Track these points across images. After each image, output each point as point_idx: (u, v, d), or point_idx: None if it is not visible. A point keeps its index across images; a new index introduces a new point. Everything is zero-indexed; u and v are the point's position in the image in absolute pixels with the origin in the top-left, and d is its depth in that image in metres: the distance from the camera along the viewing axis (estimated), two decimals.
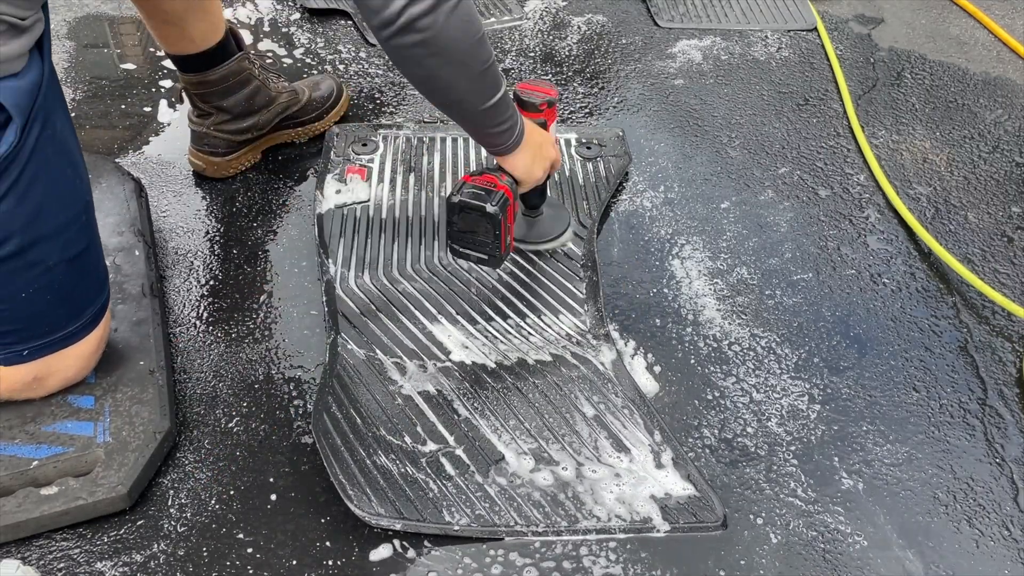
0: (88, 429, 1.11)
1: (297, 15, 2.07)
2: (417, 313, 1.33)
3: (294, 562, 1.04)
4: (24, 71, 0.93)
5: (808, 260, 1.50)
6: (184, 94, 1.50)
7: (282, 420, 1.20)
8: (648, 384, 1.27)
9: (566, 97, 1.86)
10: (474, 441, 1.16)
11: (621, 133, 1.73)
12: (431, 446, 1.14)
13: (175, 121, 1.72)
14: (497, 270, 1.40)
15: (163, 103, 1.77)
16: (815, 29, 2.12)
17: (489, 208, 1.23)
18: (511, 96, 1.20)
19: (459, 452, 1.14)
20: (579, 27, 2.09)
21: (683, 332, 1.36)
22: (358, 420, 1.16)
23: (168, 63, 1.88)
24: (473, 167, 1.61)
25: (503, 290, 1.38)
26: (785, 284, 1.46)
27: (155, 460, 1.11)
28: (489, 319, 1.33)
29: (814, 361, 1.33)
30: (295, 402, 1.23)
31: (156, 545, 1.05)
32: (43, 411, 1.13)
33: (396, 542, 1.07)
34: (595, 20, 2.12)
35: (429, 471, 1.11)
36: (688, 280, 1.45)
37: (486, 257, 1.31)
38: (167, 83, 1.83)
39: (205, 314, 1.34)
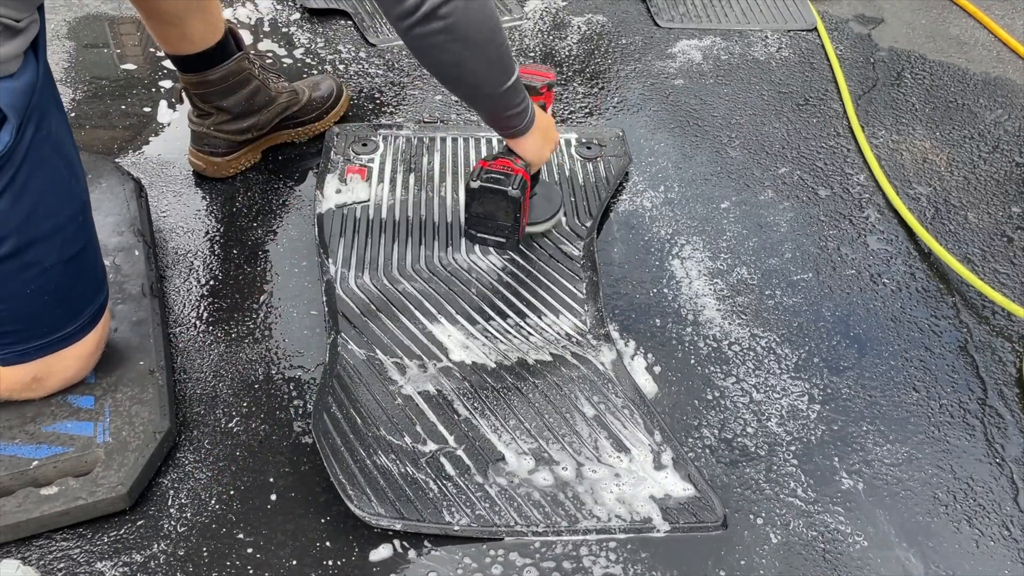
0: (88, 429, 1.11)
1: (297, 15, 2.07)
2: (417, 313, 1.33)
3: (294, 562, 1.04)
4: (19, 72, 0.93)
5: (808, 260, 1.50)
6: (184, 94, 1.50)
7: (282, 420, 1.20)
8: (648, 384, 1.27)
9: (566, 97, 1.86)
10: (474, 441, 1.16)
11: (621, 133, 1.73)
12: (431, 446, 1.14)
13: (175, 121, 1.72)
14: (497, 270, 1.40)
15: (163, 103, 1.77)
16: (815, 29, 2.12)
17: (511, 191, 1.27)
18: (522, 83, 1.24)
19: (459, 452, 1.14)
20: (579, 27, 2.09)
21: (683, 332, 1.36)
22: (358, 420, 1.16)
23: (168, 63, 1.88)
24: (473, 166, 1.60)
25: (503, 290, 1.38)
26: (785, 284, 1.46)
27: (155, 460, 1.11)
28: (489, 319, 1.33)
29: (814, 361, 1.33)
30: (295, 402, 1.23)
31: (156, 545, 1.05)
32: (43, 411, 1.13)
33: (396, 542, 1.07)
34: (595, 20, 2.12)
35: (429, 471, 1.11)
36: (688, 280, 1.45)
37: (503, 240, 1.36)
38: (167, 83, 1.83)
39: (205, 314, 1.34)
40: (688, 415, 1.24)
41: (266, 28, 2.02)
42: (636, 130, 1.78)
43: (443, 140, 1.67)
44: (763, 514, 1.12)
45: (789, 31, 2.11)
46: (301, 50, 1.95)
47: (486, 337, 1.30)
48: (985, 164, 1.73)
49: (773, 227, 1.57)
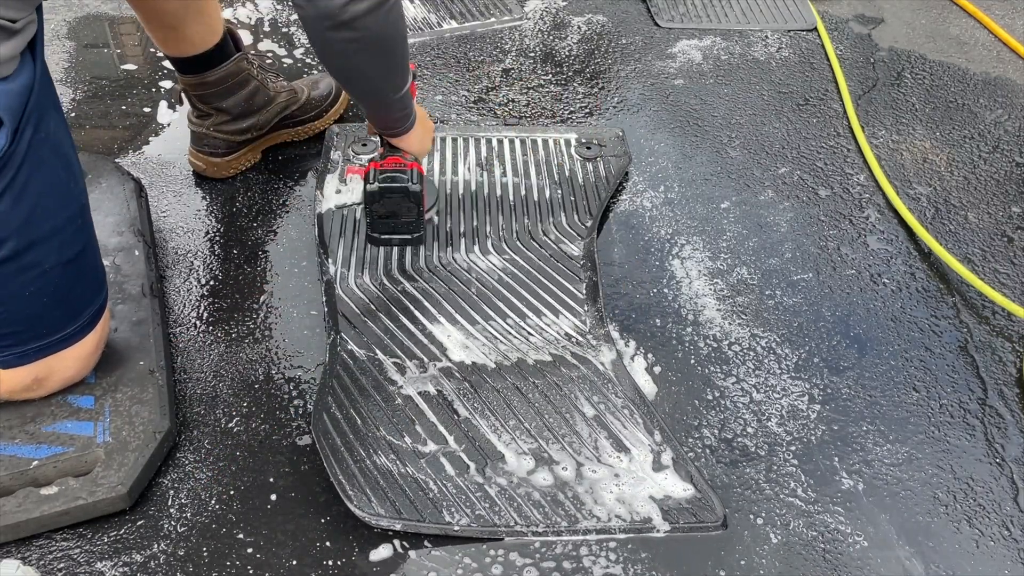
0: (88, 429, 1.11)
1: (297, 15, 2.07)
2: (417, 313, 1.33)
3: (294, 562, 1.04)
4: (15, 74, 0.92)
5: (808, 260, 1.50)
6: (183, 95, 1.50)
7: (282, 420, 1.20)
8: (648, 384, 1.27)
9: (566, 97, 1.86)
10: (474, 441, 1.16)
11: (621, 133, 1.73)
12: (431, 446, 1.14)
13: (175, 121, 1.72)
14: (497, 270, 1.40)
15: (163, 103, 1.77)
16: (815, 29, 2.12)
17: (411, 186, 1.29)
18: None
19: (459, 452, 1.14)
20: (579, 27, 2.09)
21: (683, 332, 1.36)
22: (358, 420, 1.16)
23: (168, 63, 1.87)
24: (473, 166, 1.61)
25: (503, 290, 1.38)
26: (785, 284, 1.46)
27: (155, 460, 1.11)
28: (489, 319, 1.33)
29: (814, 361, 1.33)
30: (295, 402, 1.23)
31: (156, 545, 1.05)
32: (43, 411, 1.13)
33: (396, 542, 1.07)
34: (595, 20, 2.12)
35: (429, 471, 1.11)
36: (688, 280, 1.45)
37: (409, 237, 1.37)
38: (167, 83, 1.83)
39: (205, 314, 1.34)
40: (688, 415, 1.24)
41: (266, 28, 2.02)
42: (636, 130, 1.77)
43: (443, 140, 1.67)
44: (763, 514, 1.12)
45: (789, 31, 2.11)
46: (301, 50, 1.95)
47: (486, 337, 1.30)
48: (985, 164, 1.73)
49: (773, 227, 1.57)
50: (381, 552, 1.05)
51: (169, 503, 1.10)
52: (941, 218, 1.60)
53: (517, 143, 1.67)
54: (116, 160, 1.57)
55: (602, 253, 1.48)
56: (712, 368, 1.31)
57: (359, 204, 1.51)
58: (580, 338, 1.31)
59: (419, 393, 1.21)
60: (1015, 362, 1.34)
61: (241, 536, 1.07)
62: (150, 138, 1.68)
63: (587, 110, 1.83)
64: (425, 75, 1.88)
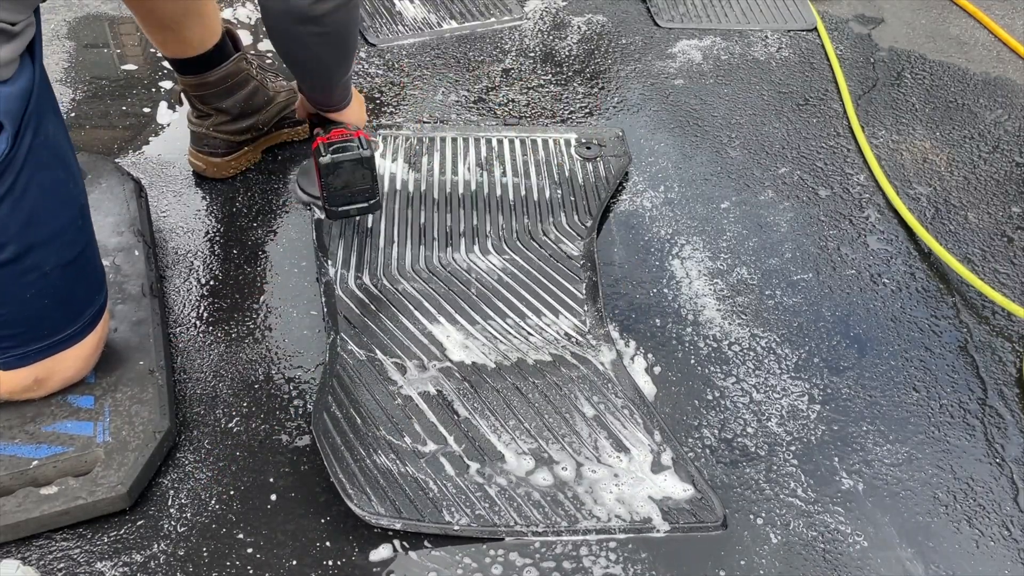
0: (88, 429, 1.11)
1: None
2: (417, 313, 1.33)
3: (294, 562, 1.04)
4: (14, 77, 0.91)
5: (808, 260, 1.50)
6: (183, 95, 1.50)
7: (282, 420, 1.20)
8: (648, 384, 1.27)
9: (566, 97, 1.86)
10: (474, 441, 1.16)
11: (621, 133, 1.73)
12: (431, 446, 1.14)
13: (175, 121, 1.72)
14: (497, 270, 1.40)
15: (163, 104, 1.76)
16: (815, 29, 2.12)
17: (364, 152, 1.32)
18: None
19: (459, 452, 1.14)
20: (579, 27, 2.09)
21: (683, 332, 1.36)
22: (358, 420, 1.16)
23: (168, 64, 1.87)
24: (473, 166, 1.61)
25: (503, 290, 1.38)
26: (785, 284, 1.46)
27: (155, 460, 1.11)
28: (489, 319, 1.33)
29: (814, 361, 1.33)
30: (295, 402, 1.23)
31: (156, 545, 1.05)
32: (43, 411, 1.13)
33: (396, 542, 1.07)
34: (595, 20, 2.12)
35: (429, 471, 1.11)
36: (688, 280, 1.45)
37: (366, 205, 1.38)
38: (167, 84, 1.83)
39: (205, 314, 1.34)
40: (688, 415, 1.24)
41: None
42: (636, 130, 1.77)
43: (443, 140, 1.67)
44: (763, 514, 1.12)
45: (789, 31, 2.11)
46: None
47: (486, 337, 1.30)
48: (985, 164, 1.73)
49: (773, 227, 1.57)
50: (381, 552, 1.05)
51: (169, 503, 1.10)
52: (941, 218, 1.60)
53: (517, 143, 1.68)
54: (116, 160, 1.57)
55: (602, 253, 1.48)
56: (712, 368, 1.31)
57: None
58: (580, 338, 1.31)
59: (419, 393, 1.21)
60: (1015, 362, 1.34)
61: (241, 536, 1.07)
62: (150, 138, 1.68)
63: (587, 110, 1.83)
64: (425, 75, 1.88)
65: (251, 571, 1.03)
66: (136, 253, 1.34)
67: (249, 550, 1.05)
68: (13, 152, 0.92)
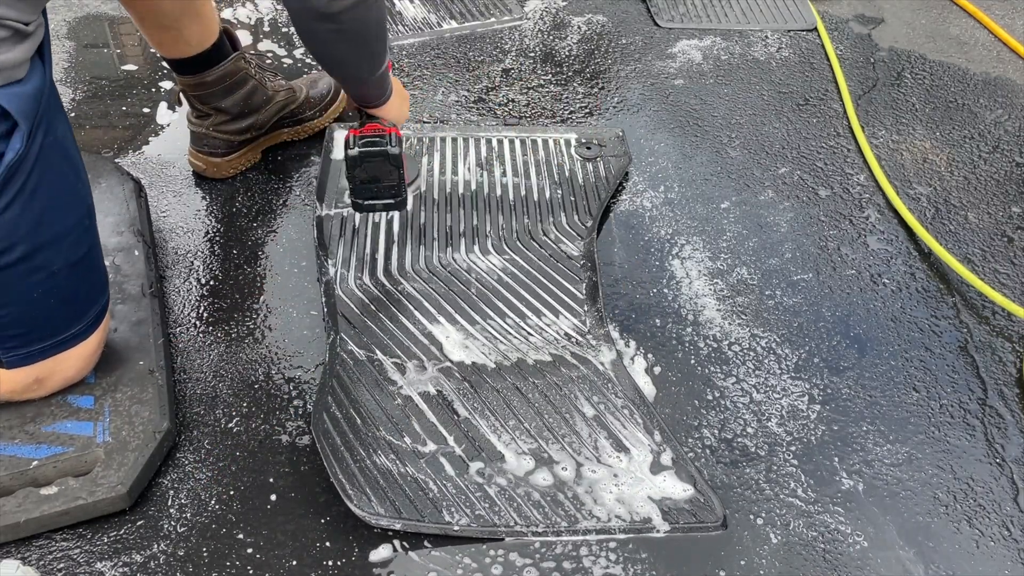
0: (88, 429, 1.11)
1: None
2: (417, 313, 1.33)
3: (294, 562, 1.04)
4: (27, 77, 0.93)
5: (808, 260, 1.50)
6: (182, 95, 1.50)
7: (282, 420, 1.20)
8: (648, 384, 1.27)
9: (566, 97, 1.86)
10: (474, 441, 1.16)
11: (621, 133, 1.73)
12: (431, 446, 1.14)
13: (175, 121, 1.72)
14: (497, 270, 1.40)
15: (163, 104, 1.77)
16: (815, 29, 2.11)
17: (391, 149, 1.32)
18: None
19: (459, 452, 1.14)
20: (579, 27, 2.09)
21: (683, 332, 1.36)
22: (358, 420, 1.16)
23: (166, 64, 1.88)
24: (473, 166, 1.61)
25: (503, 290, 1.38)
26: (785, 284, 1.46)
27: (155, 460, 1.11)
28: (489, 319, 1.33)
29: (814, 361, 1.33)
30: (295, 402, 1.23)
31: (156, 545, 1.05)
32: (43, 411, 1.13)
33: (396, 542, 1.07)
34: (595, 20, 2.12)
35: (429, 471, 1.11)
36: (688, 280, 1.45)
37: (392, 201, 1.40)
38: (167, 84, 1.83)
39: (205, 314, 1.34)
40: (688, 415, 1.24)
41: (266, 28, 2.02)
42: (636, 130, 1.77)
43: (443, 140, 1.67)
44: (763, 514, 1.12)
45: (789, 31, 2.11)
46: (301, 50, 1.95)
47: (486, 337, 1.30)
48: (985, 164, 1.73)
49: (773, 227, 1.57)
50: (381, 552, 1.05)
51: (169, 503, 1.10)
52: (941, 218, 1.60)
53: (517, 143, 1.67)
54: (116, 160, 1.58)
55: (602, 253, 1.48)
56: (712, 368, 1.31)
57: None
58: (580, 338, 1.31)
59: (419, 393, 1.21)
60: (1015, 362, 1.34)
61: (241, 536, 1.07)
62: (150, 138, 1.68)
63: (587, 110, 1.83)
64: (425, 75, 1.88)
65: (251, 571, 1.03)
66: (136, 253, 1.34)
67: (249, 550, 1.05)
68: (26, 151, 0.93)
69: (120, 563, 1.03)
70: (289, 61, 1.92)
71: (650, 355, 1.32)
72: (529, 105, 1.82)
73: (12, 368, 1.08)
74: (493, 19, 2.09)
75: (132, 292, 1.29)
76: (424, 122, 1.75)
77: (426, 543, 1.07)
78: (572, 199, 1.55)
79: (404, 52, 1.95)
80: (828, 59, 2.01)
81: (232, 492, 1.11)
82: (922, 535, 1.11)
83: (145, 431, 1.11)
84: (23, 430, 1.10)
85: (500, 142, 1.67)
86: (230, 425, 1.19)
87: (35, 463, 1.07)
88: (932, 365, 1.33)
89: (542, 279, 1.40)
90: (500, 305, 1.35)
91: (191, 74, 1.45)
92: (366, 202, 1.40)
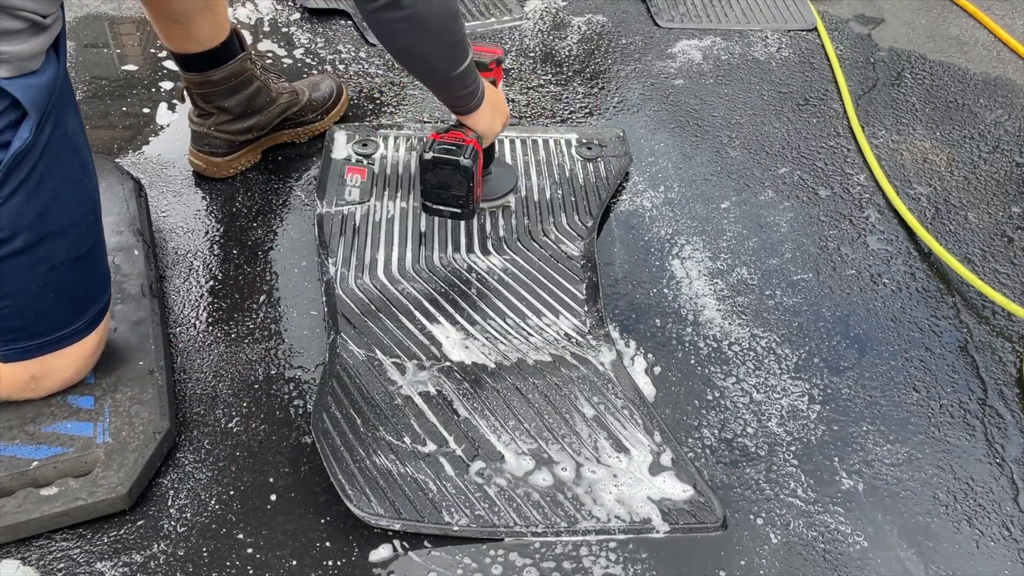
0: (88, 429, 1.11)
1: (297, 15, 2.07)
2: (417, 313, 1.33)
3: (294, 562, 1.04)
4: (42, 69, 0.94)
5: (808, 260, 1.50)
6: (186, 93, 1.50)
7: (282, 420, 1.20)
8: (648, 385, 1.27)
9: (566, 97, 1.86)
10: (474, 441, 1.16)
11: (621, 133, 1.73)
12: (431, 446, 1.14)
13: (175, 121, 1.72)
14: (497, 270, 1.40)
15: (163, 104, 1.77)
16: (815, 29, 2.11)
17: (463, 161, 1.31)
18: (474, 62, 1.29)
19: (459, 452, 1.14)
20: (579, 27, 2.09)
21: (683, 332, 1.36)
22: (358, 420, 1.16)
23: (169, 64, 1.88)
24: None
25: (503, 290, 1.38)
26: (785, 284, 1.46)
27: (155, 460, 1.11)
28: (489, 319, 1.33)
29: (814, 361, 1.33)
30: (295, 402, 1.23)
31: (156, 545, 1.05)
32: (43, 411, 1.13)
33: (396, 542, 1.07)
34: (595, 20, 2.12)
35: (429, 471, 1.11)
36: (688, 280, 1.45)
37: (459, 211, 1.39)
38: (167, 84, 1.83)
39: (205, 314, 1.34)
40: (688, 415, 1.24)
41: (266, 28, 2.02)
42: (636, 130, 1.77)
43: None
44: (763, 514, 1.12)
45: (789, 31, 2.11)
46: (301, 50, 1.95)
47: (486, 337, 1.30)
48: (985, 164, 1.73)
49: (773, 227, 1.57)
50: (381, 552, 1.05)
51: (169, 503, 1.10)
52: (941, 218, 1.60)
53: (517, 143, 1.67)
54: (116, 160, 1.57)
55: (602, 253, 1.48)
56: (712, 368, 1.31)
57: (359, 203, 1.51)
58: (580, 338, 1.31)
59: (419, 393, 1.21)
60: (1015, 362, 1.34)
61: (241, 536, 1.07)
62: (150, 138, 1.68)
63: (587, 110, 1.83)
64: None
65: (251, 571, 1.03)
66: (136, 253, 1.34)
67: (249, 550, 1.05)
68: (33, 141, 0.94)
69: (120, 563, 1.03)
70: (289, 61, 1.92)
71: (650, 355, 1.32)
72: (529, 105, 1.82)
73: (9, 362, 1.08)
74: (493, 19, 2.09)
75: (132, 292, 1.29)
76: (424, 122, 1.75)
77: (426, 543, 1.07)
78: (572, 199, 1.55)
79: None
80: (828, 59, 2.01)
81: (232, 492, 1.11)
82: (922, 535, 1.11)
83: (145, 431, 1.11)
84: (23, 430, 1.10)
85: (500, 142, 1.67)
86: (230, 425, 1.19)
87: (35, 464, 1.07)
88: (932, 365, 1.33)
89: (542, 279, 1.40)
90: (500, 305, 1.35)
91: (197, 71, 1.45)
92: (434, 206, 1.40)
